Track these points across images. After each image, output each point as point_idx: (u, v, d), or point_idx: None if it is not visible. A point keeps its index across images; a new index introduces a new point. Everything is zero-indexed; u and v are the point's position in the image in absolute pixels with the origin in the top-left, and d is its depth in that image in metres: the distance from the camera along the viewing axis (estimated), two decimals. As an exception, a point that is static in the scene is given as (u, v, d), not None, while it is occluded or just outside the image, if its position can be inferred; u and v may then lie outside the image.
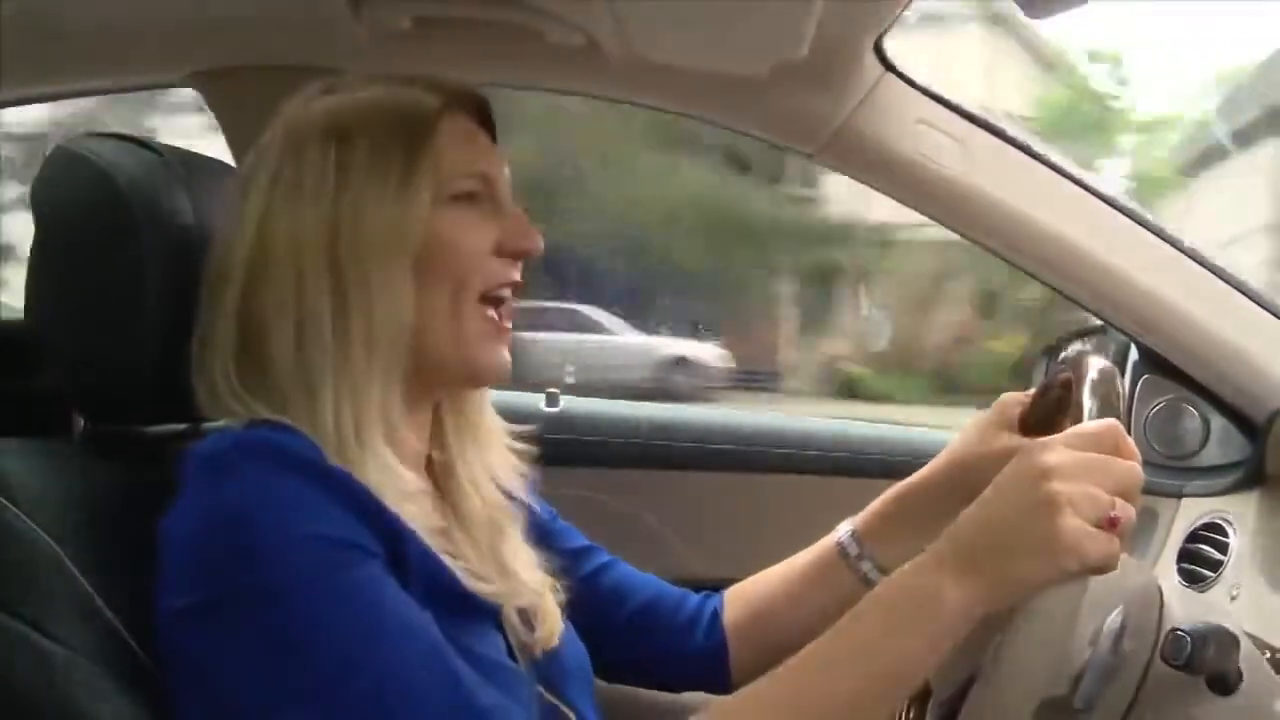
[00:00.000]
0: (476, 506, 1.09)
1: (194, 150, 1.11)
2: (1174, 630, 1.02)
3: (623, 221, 7.69)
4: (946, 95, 1.56)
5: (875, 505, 1.25)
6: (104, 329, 1.00)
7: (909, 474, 1.24)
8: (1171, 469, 1.71)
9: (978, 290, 8.15)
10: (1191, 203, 8.58)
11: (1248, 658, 1.06)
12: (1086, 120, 9.56)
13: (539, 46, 1.42)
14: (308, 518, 0.85)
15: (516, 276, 1.05)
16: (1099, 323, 1.76)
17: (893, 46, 1.49)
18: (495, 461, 1.14)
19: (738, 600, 1.27)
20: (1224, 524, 1.59)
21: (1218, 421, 1.70)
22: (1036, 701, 0.86)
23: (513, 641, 1.03)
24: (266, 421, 0.93)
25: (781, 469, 1.99)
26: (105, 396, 1.04)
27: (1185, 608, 1.10)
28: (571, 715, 1.06)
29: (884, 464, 1.90)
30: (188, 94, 1.70)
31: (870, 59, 1.48)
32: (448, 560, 0.96)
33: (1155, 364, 1.71)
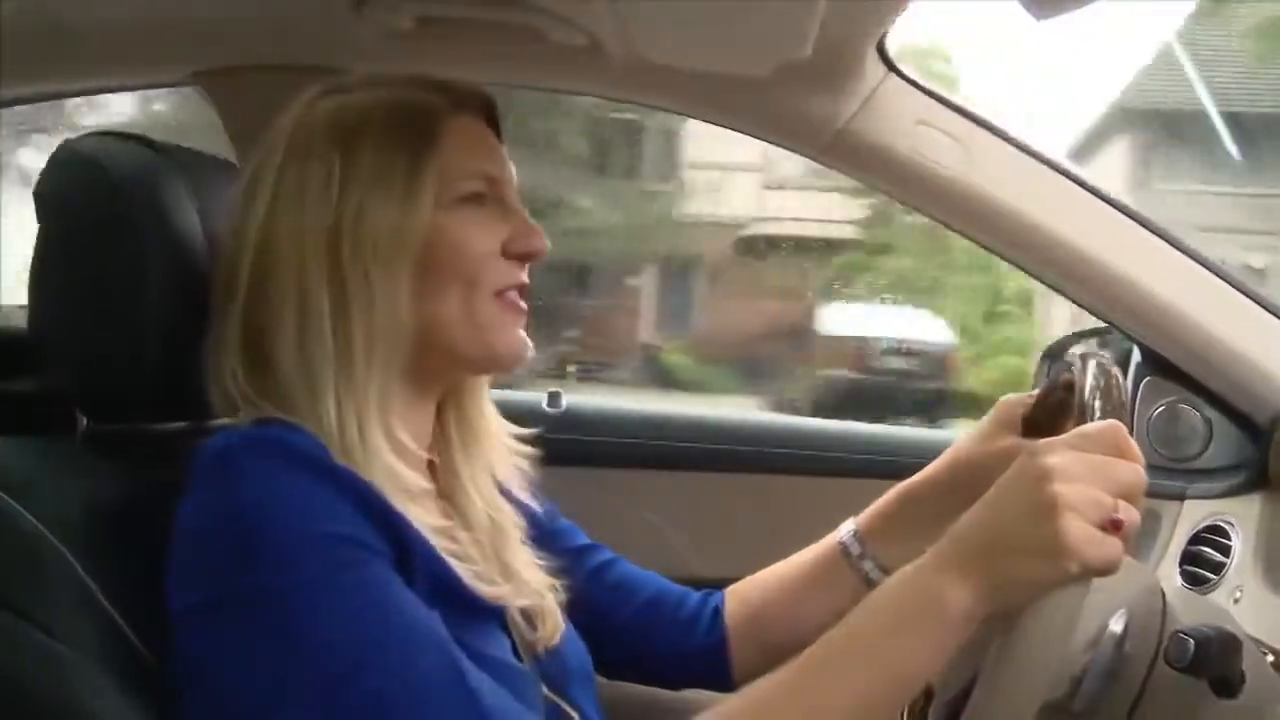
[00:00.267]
0: (478, 508, 1.09)
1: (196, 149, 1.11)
2: (1177, 633, 1.02)
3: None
4: (949, 96, 1.55)
5: (877, 505, 1.25)
6: (106, 328, 1.00)
7: (911, 474, 1.24)
8: (1174, 471, 1.71)
9: (821, 283, 8.38)
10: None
11: (1251, 661, 1.05)
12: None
13: (541, 46, 1.42)
14: (315, 516, 0.86)
15: (524, 278, 1.05)
16: (1101, 324, 1.76)
17: (895, 47, 1.48)
18: (496, 462, 1.14)
19: (739, 598, 1.27)
20: (1226, 526, 1.59)
21: (1220, 423, 1.70)
22: (1038, 704, 0.86)
23: (517, 641, 1.03)
24: (273, 420, 0.93)
25: (783, 469, 1.99)
26: (107, 395, 1.04)
27: (1188, 610, 1.10)
28: (574, 714, 1.06)
29: (887, 464, 1.89)
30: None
31: (873, 59, 1.48)
32: (452, 561, 0.96)
33: (1157, 366, 1.71)
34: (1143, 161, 9.99)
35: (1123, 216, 1.60)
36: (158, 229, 0.99)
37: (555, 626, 1.09)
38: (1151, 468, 0.89)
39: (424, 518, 0.96)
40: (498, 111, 1.11)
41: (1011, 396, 1.22)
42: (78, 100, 2.38)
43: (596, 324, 8.38)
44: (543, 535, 1.17)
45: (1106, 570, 0.83)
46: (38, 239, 1.03)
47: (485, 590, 0.98)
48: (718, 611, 1.26)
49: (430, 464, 1.09)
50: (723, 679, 1.24)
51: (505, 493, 1.14)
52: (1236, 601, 1.45)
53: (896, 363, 7.65)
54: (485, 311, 1.01)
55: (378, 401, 0.95)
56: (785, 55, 1.36)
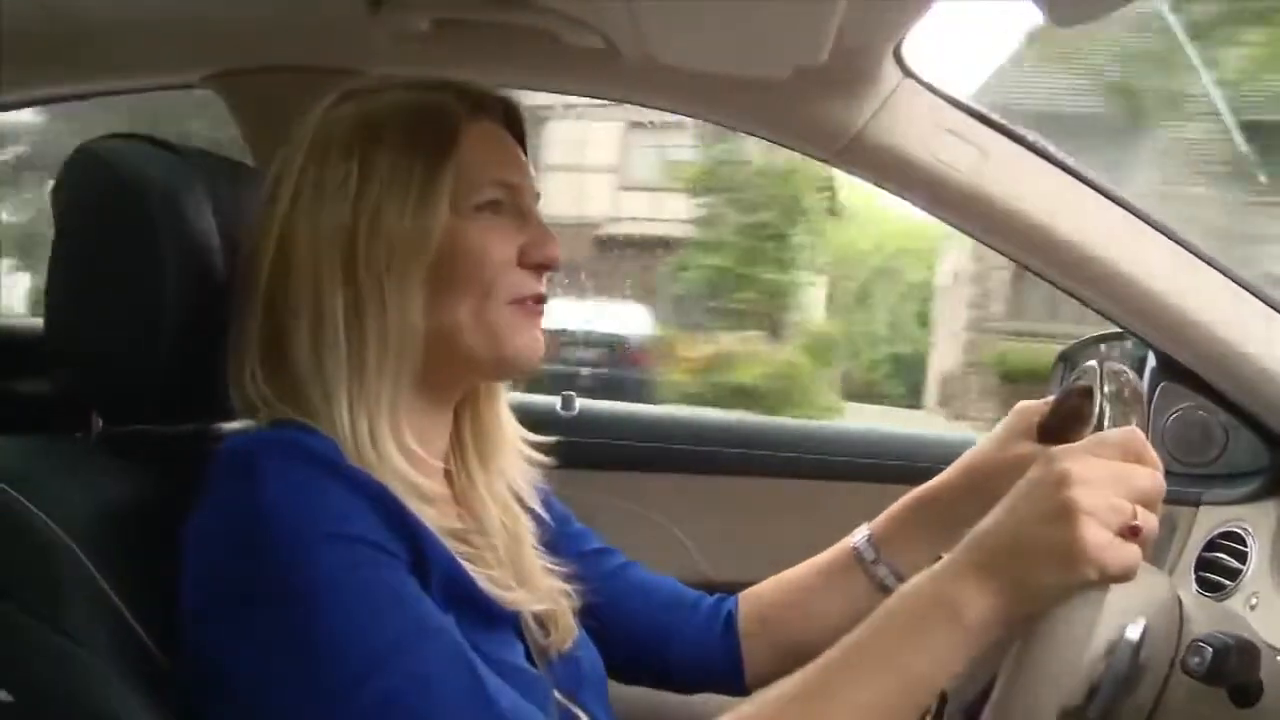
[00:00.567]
0: (493, 514, 1.09)
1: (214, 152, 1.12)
2: (1195, 641, 1.02)
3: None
4: (966, 101, 1.55)
5: (892, 510, 1.24)
6: (122, 329, 1.00)
7: (926, 479, 1.24)
8: (1189, 477, 1.70)
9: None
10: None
11: (1269, 669, 1.05)
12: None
13: (556, 49, 1.42)
14: (332, 517, 0.86)
15: (541, 289, 1.04)
16: (1116, 329, 1.75)
17: (912, 52, 1.48)
18: (511, 468, 1.14)
19: (753, 603, 1.27)
20: (1242, 533, 1.58)
21: (1236, 429, 1.69)
22: (1055, 711, 0.85)
23: (531, 646, 1.03)
24: (290, 422, 0.93)
25: (797, 473, 1.98)
26: (122, 396, 1.04)
27: (1205, 618, 1.10)
28: (586, 719, 1.06)
29: (901, 469, 1.89)
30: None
31: (890, 64, 1.47)
32: (467, 565, 0.96)
33: (1173, 371, 1.70)
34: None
35: (1138, 221, 1.59)
36: (174, 231, 0.99)
37: (568, 632, 1.09)
38: (1166, 473, 0.88)
39: (439, 521, 0.96)
40: (520, 117, 1.10)
41: (1027, 403, 1.21)
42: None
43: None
44: (556, 539, 1.17)
45: (1124, 577, 0.83)
46: (54, 240, 1.03)
47: (500, 595, 0.98)
48: (731, 616, 1.25)
49: (446, 469, 1.09)
50: (736, 683, 1.24)
51: (519, 498, 1.14)
52: (1253, 608, 1.44)
53: (581, 353, 8.39)
54: (499, 317, 1.01)
55: (389, 406, 0.96)
56: (802, 59, 1.36)
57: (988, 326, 12.63)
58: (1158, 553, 1.65)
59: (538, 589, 1.06)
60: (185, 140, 1.07)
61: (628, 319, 9.39)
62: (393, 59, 1.50)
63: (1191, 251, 1.60)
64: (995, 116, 1.57)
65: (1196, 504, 1.69)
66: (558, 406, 2.02)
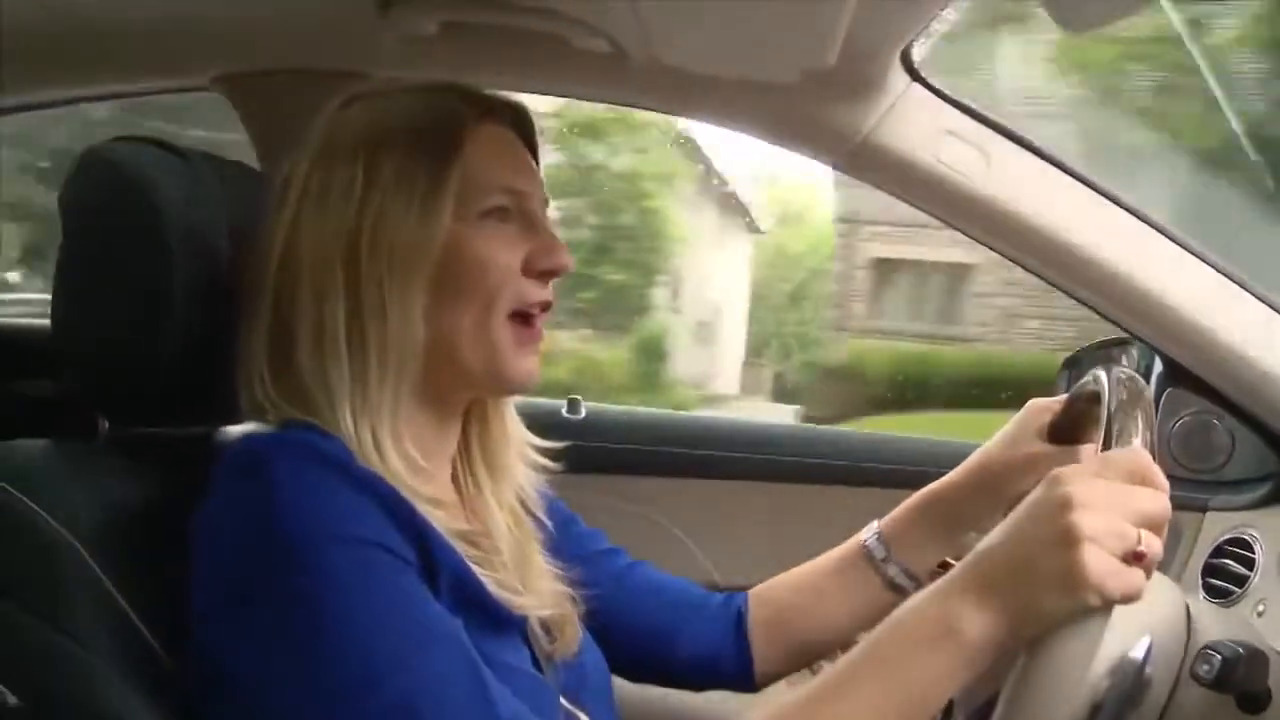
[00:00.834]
0: (500, 520, 1.09)
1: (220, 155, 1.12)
2: (1205, 648, 1.01)
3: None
4: (973, 105, 1.55)
5: (902, 509, 1.25)
6: (128, 331, 1.00)
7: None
8: (1196, 483, 1.70)
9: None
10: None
11: (1278, 677, 1.05)
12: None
13: (565, 52, 1.41)
14: (340, 518, 0.86)
15: (547, 296, 1.04)
16: (1122, 334, 1.74)
17: (920, 56, 1.48)
18: (518, 474, 1.14)
19: (762, 601, 1.27)
20: (1250, 539, 1.58)
21: (1243, 435, 1.69)
22: None
23: (537, 651, 1.03)
24: (300, 422, 0.93)
25: (805, 477, 1.98)
26: (129, 398, 1.04)
27: (1214, 625, 1.10)
28: None
29: (910, 474, 1.88)
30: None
31: (897, 68, 1.47)
32: (476, 569, 0.96)
33: (1180, 377, 1.70)
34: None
35: (1145, 226, 1.59)
36: (181, 233, 0.99)
37: (574, 637, 1.09)
38: (1173, 479, 0.88)
39: (448, 524, 0.96)
40: (530, 122, 1.10)
41: (1038, 401, 1.21)
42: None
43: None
44: (562, 543, 1.17)
45: (1127, 601, 0.82)
46: (61, 243, 1.03)
47: (507, 599, 0.98)
48: (741, 614, 1.26)
49: (453, 475, 1.09)
50: (745, 681, 1.24)
51: (525, 504, 1.14)
52: (1260, 614, 1.44)
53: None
54: (499, 333, 1.00)
55: (391, 413, 0.95)
56: (809, 63, 1.36)
57: (849, 325, 12.75)
58: (1164, 559, 1.65)
59: (543, 594, 1.06)
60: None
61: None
62: (400, 62, 1.50)
63: (1199, 257, 1.59)
64: (1002, 121, 1.57)
65: (1203, 510, 1.69)
66: (564, 410, 2.02)
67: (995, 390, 9.03)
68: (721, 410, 11.64)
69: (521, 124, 1.08)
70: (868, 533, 1.25)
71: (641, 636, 1.23)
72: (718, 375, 13.83)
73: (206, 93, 1.69)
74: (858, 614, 1.23)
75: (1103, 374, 0.98)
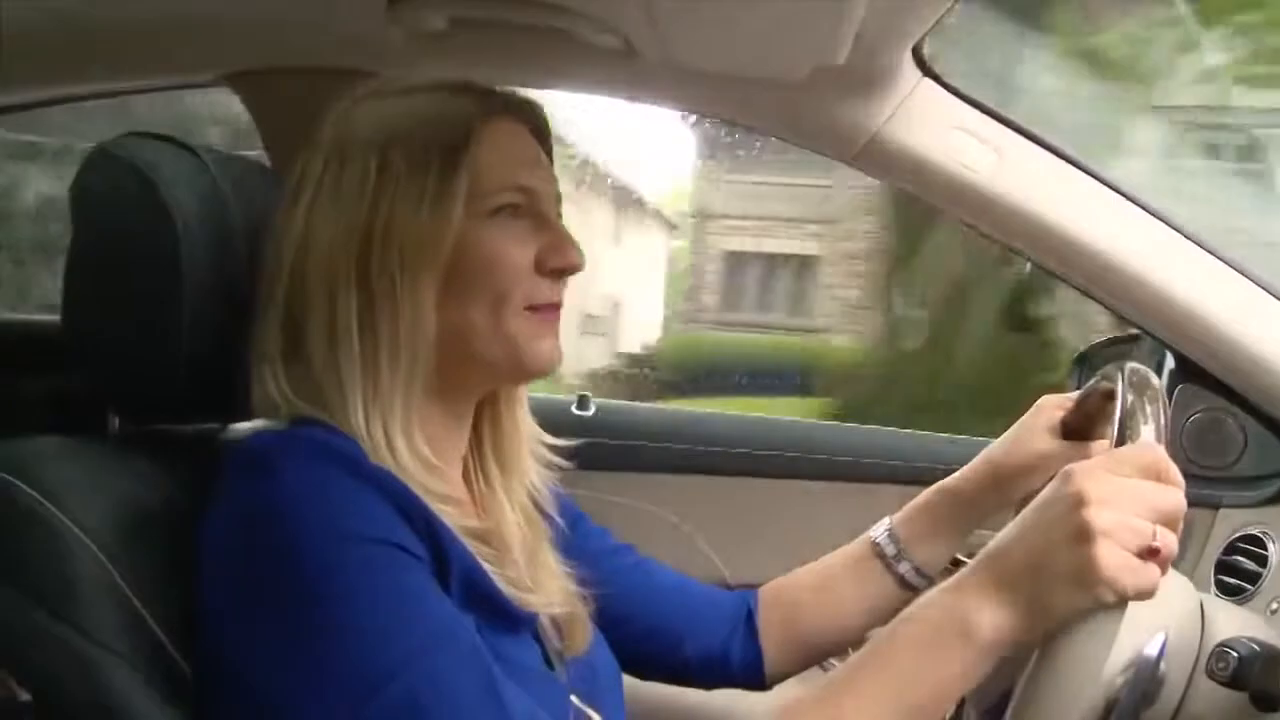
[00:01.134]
0: (512, 516, 1.09)
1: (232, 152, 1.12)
2: (1221, 646, 1.01)
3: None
4: (984, 100, 1.54)
5: (914, 504, 1.25)
6: (141, 328, 1.00)
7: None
8: (1208, 480, 1.69)
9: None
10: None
11: None
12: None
13: (574, 49, 1.41)
14: (353, 517, 0.85)
15: (558, 297, 1.03)
16: (1133, 330, 1.74)
17: (931, 51, 1.47)
18: (531, 471, 1.14)
19: (773, 599, 1.27)
20: (1263, 536, 1.57)
21: (1256, 432, 1.68)
22: None
23: (547, 649, 1.03)
24: (311, 420, 0.93)
25: (815, 474, 1.98)
26: (141, 395, 1.04)
27: (1229, 622, 1.09)
28: None
29: (922, 471, 1.88)
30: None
31: (909, 64, 1.46)
32: (487, 567, 0.96)
33: (1192, 373, 1.69)
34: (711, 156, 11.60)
35: (1157, 222, 1.58)
36: (193, 230, 0.99)
37: (585, 636, 1.08)
38: (1185, 476, 0.87)
39: (459, 521, 0.95)
40: (543, 119, 1.09)
41: (1050, 398, 1.21)
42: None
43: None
44: (571, 540, 1.17)
45: (1142, 597, 0.82)
46: (72, 240, 1.03)
47: (518, 596, 0.98)
48: (751, 612, 1.25)
49: (465, 472, 1.09)
50: (755, 679, 1.24)
51: (537, 502, 1.14)
52: (1274, 613, 1.43)
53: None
54: (514, 324, 1.00)
55: (403, 410, 0.95)
56: (820, 60, 1.35)
57: (701, 317, 12.89)
58: (1177, 556, 1.64)
59: (554, 592, 1.06)
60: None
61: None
62: (410, 59, 1.49)
63: (1211, 252, 1.59)
64: (1013, 117, 1.56)
65: (1216, 507, 1.68)
66: (573, 407, 2.02)
67: (792, 377, 9.56)
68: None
69: (534, 120, 1.08)
70: (878, 530, 1.24)
71: (650, 635, 1.23)
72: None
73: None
74: (868, 612, 1.22)
75: (1114, 370, 0.98)
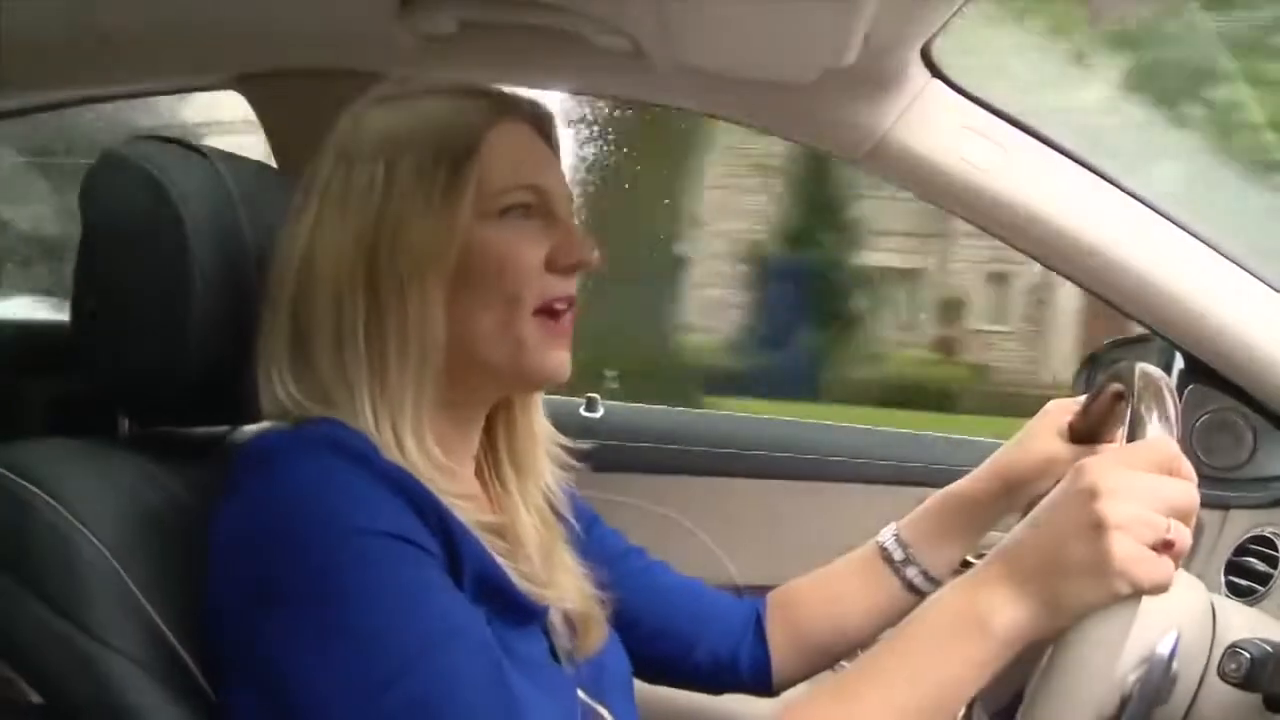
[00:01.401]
0: (526, 517, 1.09)
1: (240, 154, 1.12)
2: (1233, 647, 1.01)
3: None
4: (992, 101, 1.54)
5: (921, 509, 1.24)
6: (150, 330, 1.00)
7: (955, 480, 1.24)
8: (1219, 480, 1.68)
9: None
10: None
11: None
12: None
13: (584, 51, 1.41)
14: (363, 511, 0.85)
15: (571, 291, 1.03)
16: (1142, 331, 1.73)
17: (940, 51, 1.47)
18: (546, 473, 1.13)
19: (780, 604, 1.26)
20: (1273, 537, 1.57)
21: (1266, 432, 1.67)
22: None
23: (557, 645, 1.03)
24: (320, 418, 0.93)
25: (824, 476, 1.98)
26: (151, 397, 1.04)
27: (1240, 624, 1.09)
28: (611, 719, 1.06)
29: (929, 472, 1.88)
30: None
31: (917, 65, 1.46)
32: (499, 560, 0.96)
33: (1202, 374, 1.68)
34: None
35: (1166, 222, 1.58)
36: (202, 232, 0.99)
37: (600, 638, 1.08)
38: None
39: (471, 512, 0.95)
40: (550, 120, 1.09)
41: (1058, 402, 1.21)
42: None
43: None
44: (587, 543, 1.17)
45: (1156, 591, 0.82)
46: (81, 241, 1.03)
47: (530, 590, 0.97)
48: (759, 617, 1.25)
49: (478, 472, 1.09)
50: (763, 685, 1.24)
51: (552, 503, 1.13)
52: None
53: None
54: (525, 330, 0.99)
55: (414, 414, 0.95)
56: (829, 61, 1.35)
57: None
58: (1187, 557, 1.64)
59: (570, 590, 1.06)
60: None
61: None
62: (419, 61, 1.50)
63: (1220, 253, 1.59)
64: (1022, 117, 1.56)
65: (1226, 508, 1.67)
66: (581, 409, 2.02)
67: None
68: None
69: (541, 121, 1.08)
70: (885, 535, 1.24)
71: (660, 639, 1.22)
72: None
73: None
74: (876, 617, 1.22)
75: (1127, 369, 0.97)
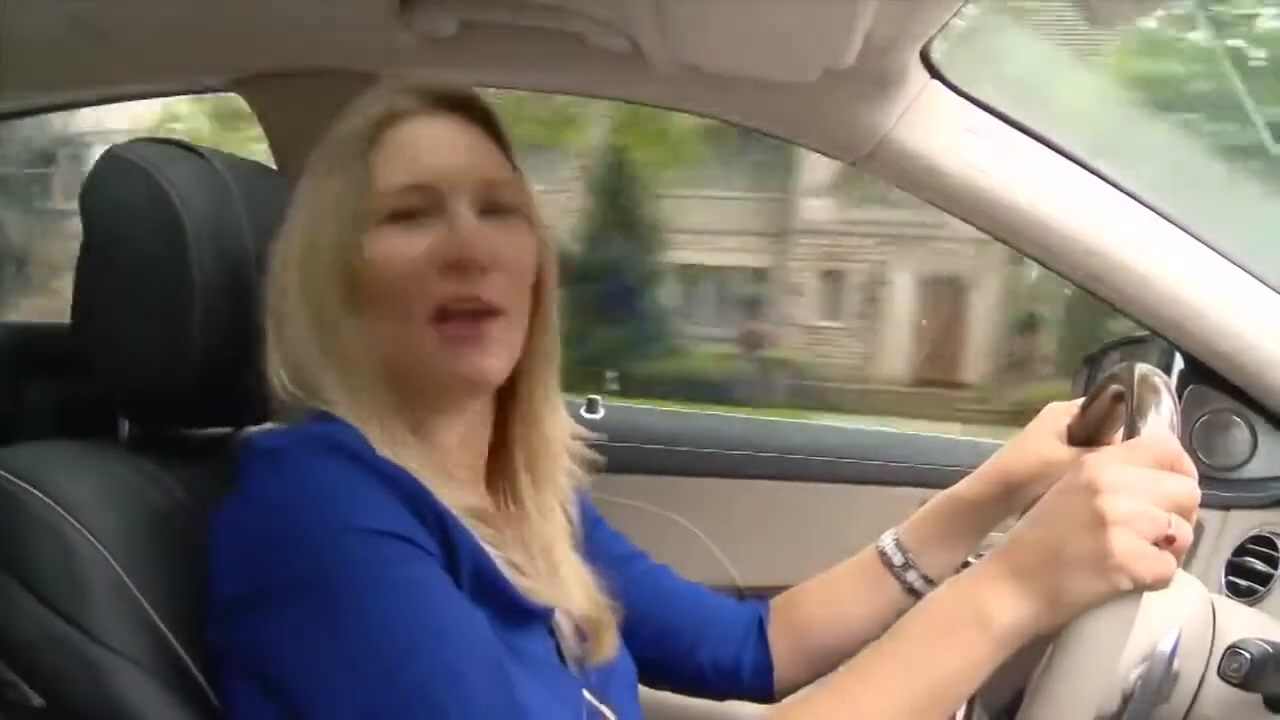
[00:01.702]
0: (535, 515, 1.09)
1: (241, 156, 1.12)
2: (1234, 647, 1.01)
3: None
4: (992, 102, 1.54)
5: (920, 514, 1.24)
6: (151, 332, 1.01)
7: (952, 483, 1.23)
8: (1218, 481, 1.68)
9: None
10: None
11: None
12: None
13: (584, 51, 1.41)
14: (363, 510, 0.85)
15: (472, 290, 0.97)
16: (1142, 331, 1.73)
17: (939, 53, 1.47)
18: (561, 477, 1.13)
19: (782, 609, 1.26)
20: (1273, 537, 1.57)
21: (1266, 433, 1.67)
22: (1088, 719, 0.84)
23: (562, 646, 1.02)
24: (320, 417, 0.93)
25: (824, 477, 1.98)
26: (151, 400, 1.04)
27: (1240, 624, 1.09)
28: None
29: (928, 473, 1.89)
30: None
31: (917, 66, 1.46)
32: (498, 560, 0.95)
33: (1202, 374, 1.68)
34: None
35: (1167, 224, 1.58)
36: (202, 233, 1.00)
37: (611, 645, 1.08)
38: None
39: (467, 508, 0.95)
40: (481, 107, 1.04)
41: (1056, 405, 1.21)
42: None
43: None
44: (590, 545, 1.16)
45: (1158, 586, 0.82)
46: (82, 244, 1.03)
47: (530, 589, 0.97)
48: (761, 623, 1.25)
49: (490, 470, 1.09)
50: (765, 689, 1.24)
51: (562, 504, 1.13)
52: None
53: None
54: (423, 340, 0.96)
55: (394, 415, 0.95)
56: (829, 62, 1.35)
57: None
58: (1187, 557, 1.64)
59: (576, 594, 1.06)
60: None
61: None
62: (419, 62, 1.50)
63: (1221, 254, 1.59)
64: (1021, 118, 1.56)
65: (1226, 508, 1.67)
66: (582, 410, 2.02)
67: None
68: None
69: (467, 110, 1.03)
70: (885, 540, 1.24)
71: (661, 644, 1.22)
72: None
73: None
74: (878, 621, 1.22)
75: (1126, 370, 0.97)
